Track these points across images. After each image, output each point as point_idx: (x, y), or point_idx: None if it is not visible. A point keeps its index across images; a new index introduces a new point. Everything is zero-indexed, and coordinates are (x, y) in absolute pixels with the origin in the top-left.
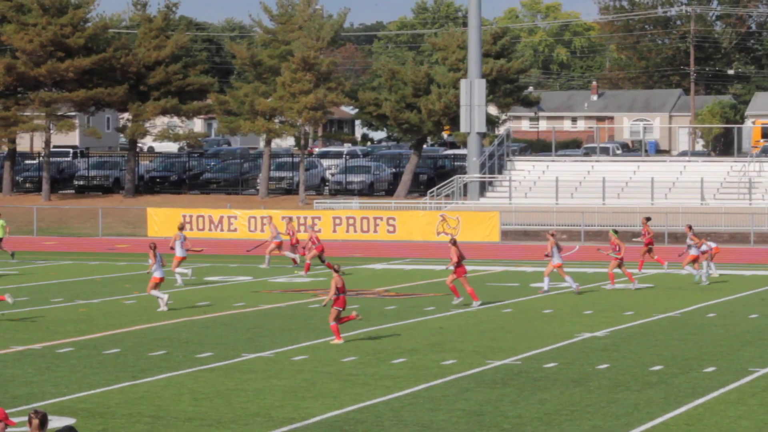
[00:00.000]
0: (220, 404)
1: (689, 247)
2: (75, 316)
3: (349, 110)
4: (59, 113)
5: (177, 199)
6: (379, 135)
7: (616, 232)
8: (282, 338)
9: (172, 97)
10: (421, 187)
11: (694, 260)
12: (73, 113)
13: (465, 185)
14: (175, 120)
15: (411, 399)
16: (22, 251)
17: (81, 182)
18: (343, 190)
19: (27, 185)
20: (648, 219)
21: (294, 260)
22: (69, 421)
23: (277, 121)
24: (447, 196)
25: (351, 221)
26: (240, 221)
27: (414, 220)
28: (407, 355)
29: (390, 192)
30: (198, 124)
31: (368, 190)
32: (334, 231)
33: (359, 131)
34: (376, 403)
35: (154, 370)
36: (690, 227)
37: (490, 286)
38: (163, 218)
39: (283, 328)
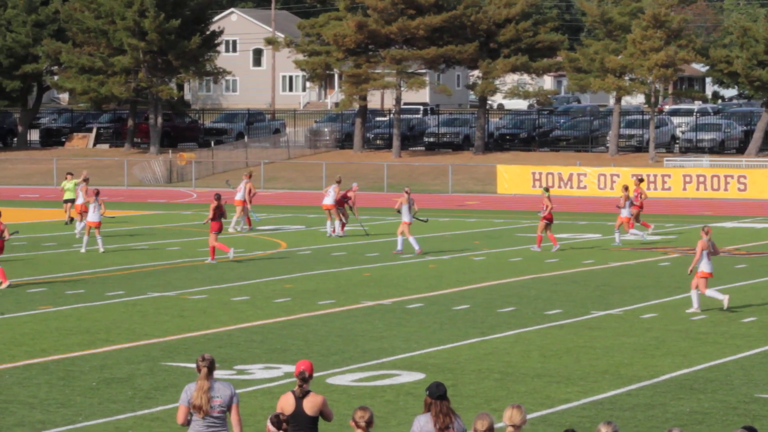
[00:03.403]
0: (569, 361)
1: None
2: (425, 272)
3: (700, 68)
4: (409, 71)
5: (526, 156)
6: (729, 92)
7: (547, 190)
8: (631, 296)
9: (522, 55)
10: None
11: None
12: (423, 71)
13: None
14: (525, 77)
15: (762, 358)
16: (372, 208)
17: (431, 139)
18: (693, 148)
19: (377, 142)
20: (641, 180)
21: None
22: (418, 376)
23: (627, 78)
24: None
25: (701, 179)
26: (589, 178)
27: (765, 179)
28: (758, 314)
29: (741, 150)
30: (547, 82)
31: (718, 148)
32: (684, 189)
33: (710, 89)
34: (726, 362)
35: (503, 327)
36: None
37: None
38: (512, 175)
39: (632, 286)
